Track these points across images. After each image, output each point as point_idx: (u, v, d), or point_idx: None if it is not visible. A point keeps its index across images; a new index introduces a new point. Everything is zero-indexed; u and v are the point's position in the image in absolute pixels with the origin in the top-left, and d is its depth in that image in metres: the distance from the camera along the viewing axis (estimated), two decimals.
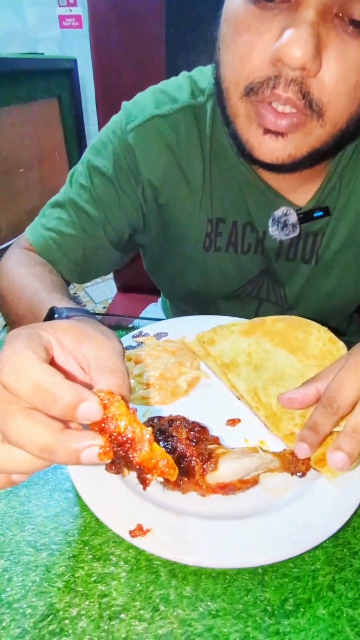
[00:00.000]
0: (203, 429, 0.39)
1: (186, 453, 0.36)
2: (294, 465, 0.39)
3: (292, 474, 0.39)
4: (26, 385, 0.26)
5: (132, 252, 0.73)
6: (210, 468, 0.36)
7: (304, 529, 0.35)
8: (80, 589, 0.33)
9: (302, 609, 0.32)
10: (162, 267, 0.70)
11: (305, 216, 0.58)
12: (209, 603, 0.32)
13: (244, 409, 0.47)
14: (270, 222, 0.58)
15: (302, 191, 0.58)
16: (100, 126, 0.71)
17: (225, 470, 0.36)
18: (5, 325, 0.61)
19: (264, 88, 0.42)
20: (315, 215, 0.58)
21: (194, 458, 0.36)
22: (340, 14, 0.40)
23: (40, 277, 0.55)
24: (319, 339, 0.50)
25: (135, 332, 0.56)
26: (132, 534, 0.34)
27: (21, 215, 2.01)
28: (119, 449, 0.27)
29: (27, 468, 0.27)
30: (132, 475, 0.33)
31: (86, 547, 0.36)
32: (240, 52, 0.43)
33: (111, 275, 1.15)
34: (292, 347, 0.50)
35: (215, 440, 0.39)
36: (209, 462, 0.36)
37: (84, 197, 0.60)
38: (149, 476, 0.29)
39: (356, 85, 0.42)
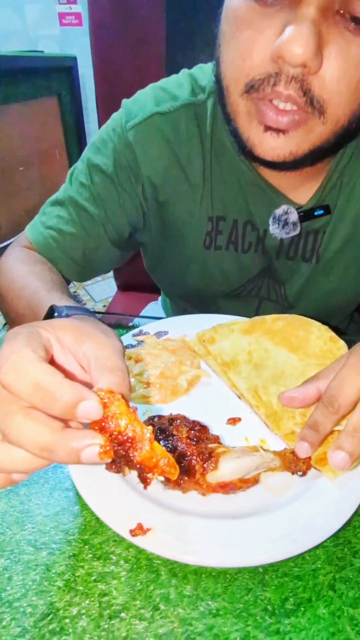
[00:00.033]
0: (203, 428, 0.39)
1: (187, 452, 0.36)
2: (294, 464, 0.38)
3: (293, 473, 0.39)
4: (25, 385, 0.25)
5: (132, 251, 0.73)
6: (211, 467, 0.36)
7: (305, 528, 0.35)
8: (81, 588, 0.33)
9: (302, 608, 0.32)
10: (162, 266, 0.70)
11: (306, 215, 0.57)
12: (210, 602, 0.32)
13: (245, 407, 0.47)
14: (270, 220, 0.58)
15: (302, 189, 0.58)
16: (100, 124, 0.71)
17: (226, 470, 0.36)
18: (5, 324, 0.60)
19: (265, 85, 0.42)
20: (315, 213, 0.58)
21: (194, 457, 0.36)
22: (342, 11, 0.39)
23: (40, 276, 0.55)
24: (319, 338, 0.50)
25: (136, 330, 0.56)
26: (133, 533, 0.34)
27: (21, 214, 2.01)
28: (119, 448, 0.27)
29: (27, 467, 0.27)
30: (133, 474, 0.33)
31: (86, 546, 0.36)
32: (240, 49, 0.43)
33: (111, 273, 1.15)
34: (293, 346, 0.50)
35: (216, 439, 0.39)
36: (209, 461, 0.36)
37: (84, 195, 0.60)
38: (149, 475, 0.29)
39: (357, 82, 0.42)
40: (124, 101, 0.61)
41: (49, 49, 2.47)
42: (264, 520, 0.35)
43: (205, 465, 0.36)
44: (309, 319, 0.52)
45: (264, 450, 0.39)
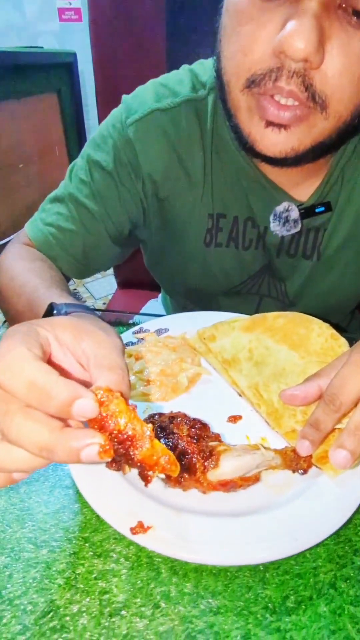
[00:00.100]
0: (204, 426, 0.39)
1: (187, 450, 0.36)
2: (295, 462, 0.38)
3: (294, 472, 0.39)
4: (21, 384, 0.25)
5: (132, 248, 0.72)
6: (212, 465, 0.36)
7: (306, 526, 0.34)
8: (81, 585, 0.33)
9: (303, 606, 0.32)
10: (163, 263, 0.70)
11: (307, 212, 0.57)
12: (210, 600, 0.32)
13: (245, 405, 0.46)
14: (271, 217, 0.57)
15: (303, 186, 0.57)
16: (100, 120, 0.71)
17: (227, 468, 0.36)
18: (4, 321, 0.60)
19: (266, 80, 0.42)
20: (317, 210, 0.57)
21: (195, 455, 0.36)
22: (344, 5, 0.39)
23: (39, 273, 0.55)
24: (320, 336, 0.50)
25: (136, 328, 0.56)
26: (133, 531, 0.34)
27: (21, 210, 2.01)
28: (119, 446, 0.27)
29: (28, 467, 0.27)
30: (133, 472, 0.33)
31: (87, 544, 0.36)
32: (241, 43, 0.42)
33: (111, 271, 1.15)
34: (294, 344, 0.50)
35: (217, 437, 0.38)
36: (210, 460, 0.36)
37: (83, 191, 0.60)
38: (150, 473, 0.28)
39: None
40: (124, 97, 0.61)
41: (49, 45, 2.46)
42: (265, 519, 0.35)
43: (206, 463, 0.36)
44: (310, 317, 0.52)
45: (265, 448, 0.38)
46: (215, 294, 0.68)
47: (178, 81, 0.59)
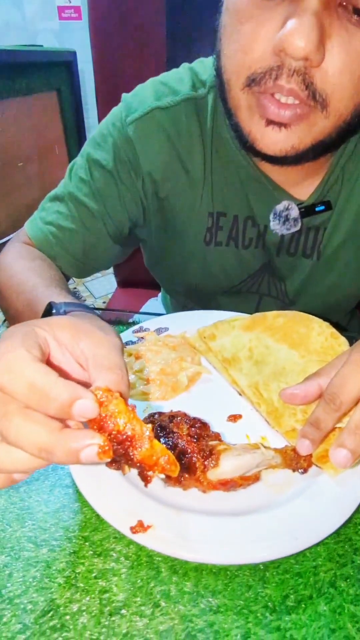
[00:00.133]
0: (204, 425, 0.39)
1: (187, 449, 0.36)
2: (295, 461, 0.38)
3: (294, 471, 0.39)
4: (20, 385, 0.25)
5: (132, 247, 0.72)
6: (212, 464, 0.36)
7: (306, 525, 0.34)
8: (81, 584, 0.33)
9: (303, 605, 0.32)
10: (163, 262, 0.70)
11: (307, 210, 0.57)
12: (210, 599, 0.32)
13: (245, 404, 0.46)
14: (271, 216, 0.57)
15: (303, 185, 0.57)
16: (100, 119, 0.71)
17: (227, 467, 0.36)
18: (4, 320, 0.60)
19: (267, 79, 0.42)
20: (317, 209, 0.57)
21: (195, 454, 0.36)
22: (344, 3, 0.39)
23: (39, 272, 0.55)
24: (320, 334, 0.50)
25: (136, 327, 0.56)
26: (133, 530, 0.34)
27: (20, 209, 2.00)
28: (118, 447, 0.27)
29: (27, 467, 0.27)
30: (133, 471, 0.32)
31: (87, 543, 0.36)
32: (242, 41, 0.42)
33: (111, 269, 1.14)
34: (294, 343, 0.50)
35: (217, 437, 0.38)
36: (210, 459, 0.36)
37: (83, 190, 0.60)
38: (150, 473, 0.28)
39: None
40: (124, 95, 0.60)
41: (48, 43, 2.45)
42: (265, 518, 0.35)
43: (206, 462, 0.36)
44: (310, 316, 0.52)
45: (265, 447, 0.38)
46: (215, 292, 0.68)
47: (178, 80, 0.59)
